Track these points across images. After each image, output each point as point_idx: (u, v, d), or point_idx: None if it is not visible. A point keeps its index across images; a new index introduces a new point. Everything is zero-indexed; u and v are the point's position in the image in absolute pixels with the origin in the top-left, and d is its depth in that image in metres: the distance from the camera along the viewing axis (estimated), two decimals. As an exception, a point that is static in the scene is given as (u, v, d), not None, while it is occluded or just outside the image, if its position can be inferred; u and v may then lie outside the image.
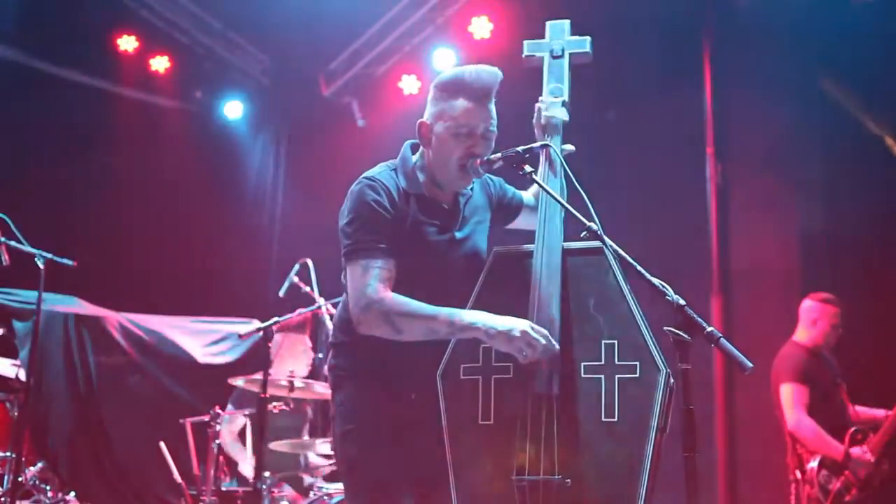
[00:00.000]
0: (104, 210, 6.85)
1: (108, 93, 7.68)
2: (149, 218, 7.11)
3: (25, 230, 5.12)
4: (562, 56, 2.95)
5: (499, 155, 2.63)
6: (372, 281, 2.54)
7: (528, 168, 2.57)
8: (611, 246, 2.42)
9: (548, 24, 3.03)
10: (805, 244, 6.11)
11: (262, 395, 4.03)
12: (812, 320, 5.11)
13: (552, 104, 2.85)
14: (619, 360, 2.51)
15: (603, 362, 2.52)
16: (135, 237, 6.98)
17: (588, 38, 3.00)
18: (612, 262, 2.56)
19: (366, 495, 2.64)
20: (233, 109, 8.37)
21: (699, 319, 2.22)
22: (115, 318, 6.02)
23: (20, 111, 6.60)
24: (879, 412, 4.99)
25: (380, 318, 2.52)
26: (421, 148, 2.77)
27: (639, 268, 2.35)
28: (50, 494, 5.10)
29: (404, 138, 2.85)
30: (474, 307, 2.61)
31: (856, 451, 4.79)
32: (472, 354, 2.60)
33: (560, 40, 2.99)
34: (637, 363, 2.49)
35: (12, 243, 5.12)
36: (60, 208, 6.53)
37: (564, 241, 2.64)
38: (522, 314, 2.54)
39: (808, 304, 5.15)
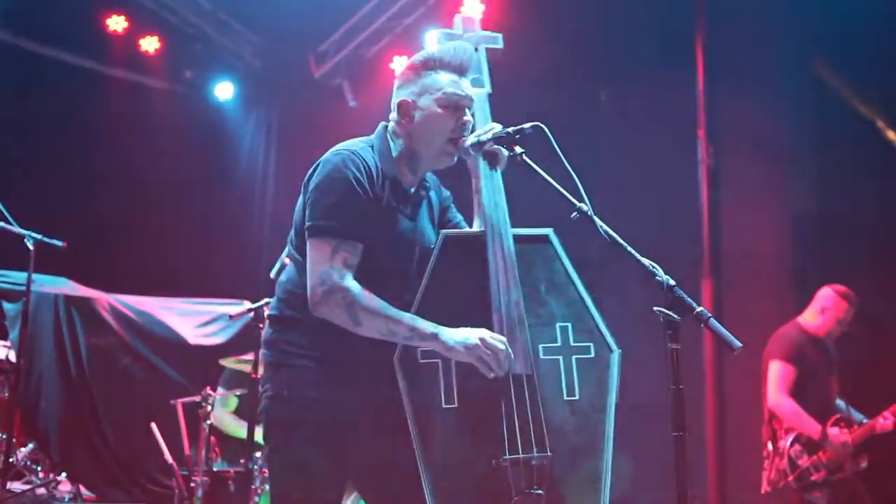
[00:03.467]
0: (94, 190, 6.84)
1: (96, 73, 7.64)
2: (139, 198, 7.09)
3: (14, 211, 5.10)
4: (476, 50, 2.89)
5: (490, 135, 2.60)
6: (339, 266, 2.44)
7: (518, 149, 2.55)
8: (601, 227, 2.41)
9: (456, 17, 2.99)
10: (796, 227, 6.14)
11: (254, 376, 4.02)
12: (822, 308, 5.12)
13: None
14: (574, 342, 2.59)
15: (559, 344, 2.59)
16: (125, 218, 6.96)
17: (500, 35, 2.99)
18: (558, 249, 2.64)
19: (284, 490, 2.54)
20: (223, 90, 8.34)
21: (689, 300, 2.23)
22: (105, 300, 6.01)
23: (8, 91, 6.56)
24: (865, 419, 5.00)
25: (341, 306, 2.42)
26: (400, 132, 2.66)
27: (629, 248, 2.35)
28: (41, 475, 5.10)
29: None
30: (426, 292, 2.55)
31: (833, 430, 4.83)
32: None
33: (473, 33, 2.95)
34: (591, 344, 2.59)
35: (1, 224, 5.11)
36: (49, 189, 6.51)
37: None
38: (476, 299, 2.54)
39: (824, 292, 5.16)
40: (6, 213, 5.14)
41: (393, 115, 2.68)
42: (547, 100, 5.76)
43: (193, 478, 4.51)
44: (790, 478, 4.86)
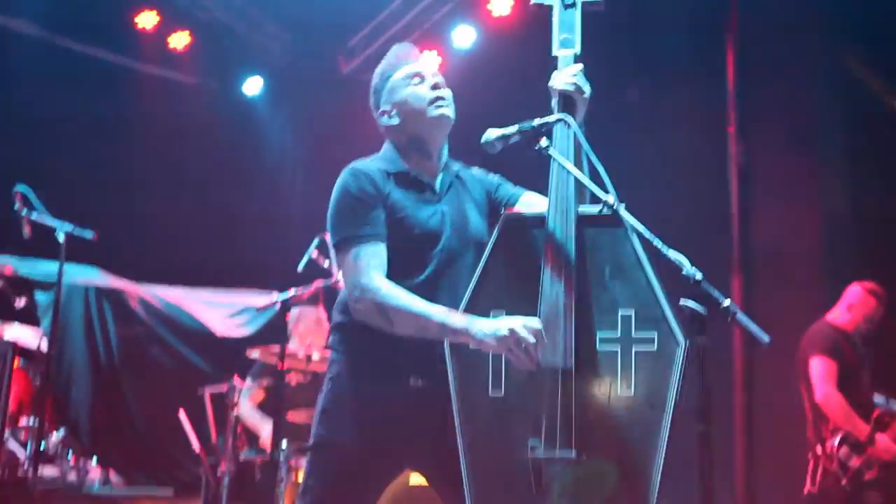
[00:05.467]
0: (125, 184, 6.90)
1: (128, 69, 7.71)
2: (168, 193, 7.13)
3: (47, 203, 5.17)
4: (573, 5, 2.82)
5: (515, 128, 2.60)
6: (365, 268, 2.54)
7: (543, 142, 2.54)
8: (628, 219, 2.40)
9: None
10: (828, 225, 6.05)
11: (280, 367, 4.06)
12: (849, 304, 5.07)
13: (568, 73, 2.73)
14: (636, 332, 2.46)
15: (619, 334, 2.47)
16: (155, 211, 7.01)
17: None
18: (630, 231, 2.49)
19: (326, 478, 2.61)
20: (252, 86, 8.38)
21: (716, 293, 2.21)
22: (134, 291, 6.09)
23: (41, 87, 6.63)
24: None
25: (373, 307, 2.51)
26: (396, 136, 2.81)
27: (656, 241, 2.33)
28: (72, 460, 5.17)
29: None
30: (482, 278, 2.57)
31: (883, 439, 4.75)
32: (483, 321, 2.53)
33: None
34: (655, 334, 2.43)
35: (34, 216, 5.18)
36: (81, 182, 6.57)
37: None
38: (532, 284, 2.51)
39: (853, 289, 5.11)
40: (38, 205, 5.21)
41: (384, 129, 2.84)
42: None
43: (220, 466, 4.55)
44: (843, 481, 4.77)
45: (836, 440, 4.82)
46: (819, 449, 4.89)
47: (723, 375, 5.89)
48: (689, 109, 6.22)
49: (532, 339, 2.37)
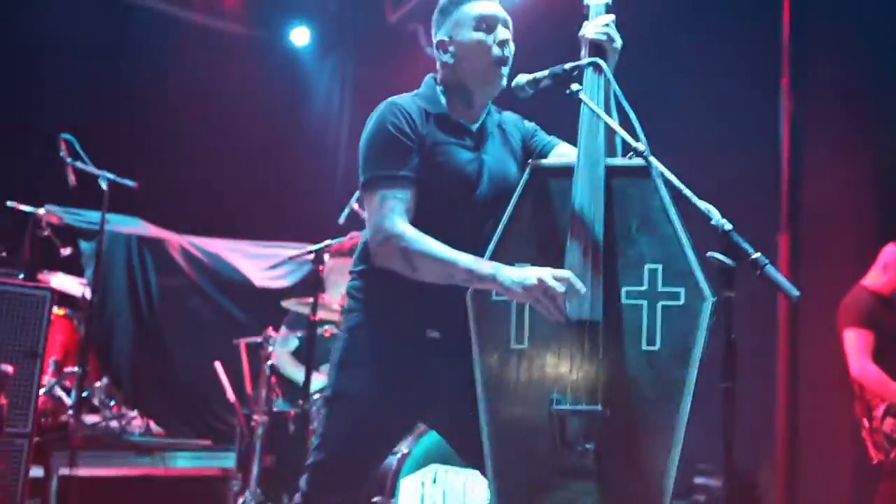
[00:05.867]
0: (168, 133, 6.92)
1: (175, 18, 7.71)
2: (213, 142, 7.14)
3: (91, 152, 5.21)
4: None
5: (546, 73, 2.53)
6: (390, 212, 2.46)
7: (574, 87, 2.46)
8: (657, 167, 2.31)
9: None
10: (882, 185, 5.82)
11: (312, 318, 4.05)
12: (884, 265, 4.89)
13: (599, 22, 2.64)
14: (662, 287, 2.39)
15: (646, 288, 2.40)
16: (199, 161, 7.04)
17: None
18: (659, 184, 2.42)
19: (341, 430, 2.56)
20: (300, 36, 8.34)
21: (745, 245, 2.12)
22: (176, 240, 6.13)
23: (88, 35, 6.66)
24: None
25: (397, 252, 2.43)
26: (444, 75, 2.69)
27: (684, 190, 2.24)
28: (114, 409, 5.27)
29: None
30: (509, 226, 2.52)
31: None
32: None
33: None
34: (682, 290, 2.36)
35: (78, 164, 5.24)
36: (125, 131, 6.61)
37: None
38: (559, 235, 2.45)
39: (888, 249, 4.92)
40: (82, 153, 5.26)
41: (437, 61, 2.70)
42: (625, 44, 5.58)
43: (254, 417, 4.59)
44: (893, 454, 4.62)
45: (880, 412, 4.67)
46: (865, 422, 4.75)
47: (767, 337, 5.76)
48: (740, 60, 6.00)
49: (561, 289, 2.31)
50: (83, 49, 6.59)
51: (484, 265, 2.40)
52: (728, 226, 2.15)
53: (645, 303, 2.41)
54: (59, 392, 5.41)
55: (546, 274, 2.32)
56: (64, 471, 4.57)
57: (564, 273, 2.34)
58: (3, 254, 3.73)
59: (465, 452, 2.73)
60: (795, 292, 2.07)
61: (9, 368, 3.39)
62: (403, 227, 2.44)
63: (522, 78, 2.54)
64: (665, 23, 6.12)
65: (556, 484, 2.39)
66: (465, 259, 2.40)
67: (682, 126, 5.56)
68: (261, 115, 7.51)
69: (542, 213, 2.55)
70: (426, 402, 2.62)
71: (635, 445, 2.38)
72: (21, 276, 3.72)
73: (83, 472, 4.59)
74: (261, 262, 6.28)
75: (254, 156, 7.34)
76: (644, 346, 2.39)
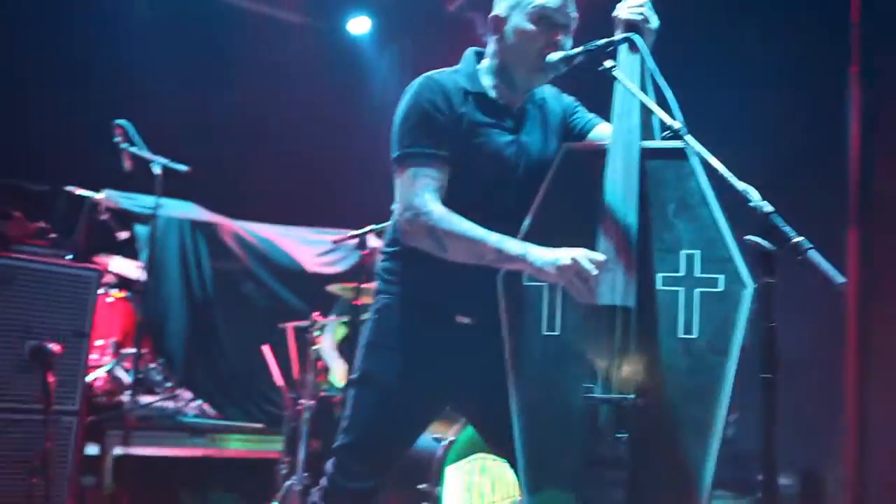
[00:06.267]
0: (225, 121, 6.96)
1: (232, 6, 7.76)
2: (271, 129, 7.17)
3: (148, 140, 5.27)
4: None
5: (579, 49, 2.45)
6: (421, 190, 2.39)
7: (608, 63, 2.37)
8: (693, 147, 2.21)
9: None
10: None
11: (355, 303, 4.03)
12: None
13: (635, 2, 2.55)
14: (700, 273, 2.30)
15: (683, 274, 2.32)
16: (256, 147, 7.06)
17: None
18: (696, 166, 2.33)
19: (367, 413, 2.52)
20: (358, 25, 8.33)
21: (786, 228, 2.01)
22: (229, 225, 6.18)
23: (146, 21, 6.74)
24: None
25: (425, 230, 2.37)
26: (491, 51, 2.60)
27: (721, 169, 2.14)
28: (168, 391, 5.34)
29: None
30: (539, 210, 2.46)
31: None
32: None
33: None
34: (720, 276, 2.27)
35: (132, 149, 5.30)
36: (183, 119, 6.67)
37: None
38: (592, 219, 2.37)
39: None
40: (137, 138, 5.33)
41: (487, 35, 2.60)
42: (684, 28, 5.43)
43: (300, 401, 4.60)
44: None
45: None
46: None
47: (835, 329, 5.55)
48: (806, 46, 5.78)
49: (595, 271, 2.23)
50: (140, 35, 6.66)
51: (514, 245, 2.34)
52: (768, 207, 2.04)
53: (682, 289, 2.33)
54: (120, 373, 5.50)
55: (580, 254, 2.25)
56: (118, 450, 4.64)
57: (599, 255, 2.27)
58: (54, 236, 3.77)
59: (493, 440, 2.68)
60: (841, 278, 1.95)
61: (56, 347, 3.44)
62: (433, 205, 2.38)
63: (555, 55, 2.47)
64: (725, 6, 5.93)
65: (588, 474, 2.32)
66: (494, 238, 2.34)
67: (744, 116, 5.39)
68: (318, 103, 7.51)
69: (575, 195, 2.48)
70: (455, 387, 2.58)
71: (670, 437, 2.30)
72: (70, 256, 3.75)
73: (137, 451, 4.66)
74: (314, 248, 6.29)
75: (311, 143, 7.34)
76: (680, 334, 2.31)
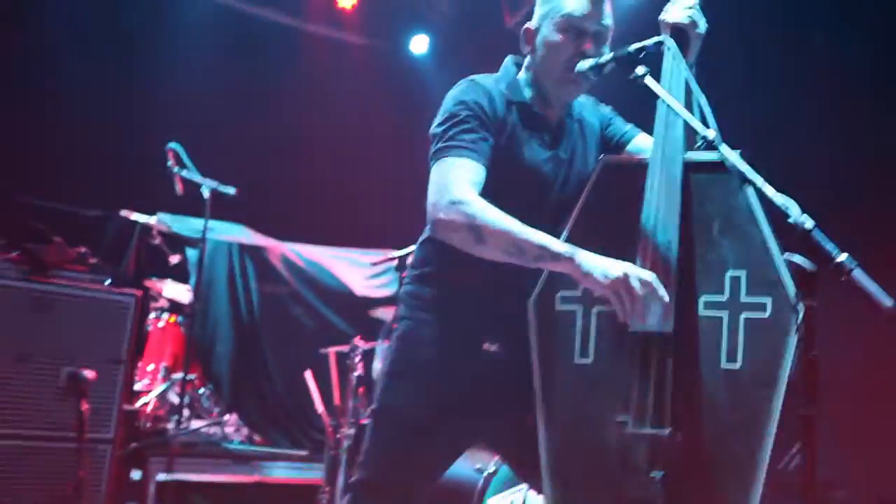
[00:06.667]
0: (289, 143, 6.94)
1: (295, 29, 7.77)
2: (322, 150, 7.11)
3: (208, 165, 5.23)
4: None
5: (610, 56, 2.28)
6: (459, 179, 2.20)
7: (639, 70, 2.19)
8: (729, 158, 2.01)
9: None
10: None
11: (394, 326, 3.88)
12: None
13: (683, 4, 2.38)
14: (746, 297, 2.08)
15: (727, 297, 2.10)
16: (318, 169, 7.00)
17: None
18: (741, 183, 2.11)
19: (385, 447, 2.37)
20: (419, 44, 8.26)
21: (829, 246, 1.80)
22: (277, 248, 6.12)
23: (205, 45, 6.77)
24: None
25: (462, 219, 2.16)
26: (526, 63, 2.48)
27: (759, 182, 1.95)
28: (213, 416, 5.28)
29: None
30: (576, 225, 2.28)
31: None
32: (572, 280, 2.18)
33: None
34: (768, 300, 2.05)
35: (184, 173, 5.30)
36: (245, 139, 6.67)
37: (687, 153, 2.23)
38: (630, 237, 2.19)
39: None
40: (188, 162, 5.32)
41: (523, 44, 2.50)
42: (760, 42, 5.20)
43: (341, 428, 4.48)
44: None
45: None
46: None
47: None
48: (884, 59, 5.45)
49: (643, 291, 2.03)
50: (198, 58, 6.69)
51: (560, 245, 2.14)
52: (809, 223, 1.83)
53: (726, 314, 2.12)
54: (171, 397, 5.48)
55: (632, 269, 2.06)
56: (162, 475, 4.58)
57: (649, 276, 2.07)
58: (94, 261, 3.74)
59: (528, 477, 2.50)
60: (890, 301, 1.74)
61: (91, 374, 3.39)
62: (471, 194, 2.19)
63: (584, 64, 2.32)
64: (798, 19, 5.63)
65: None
66: (540, 235, 2.14)
67: (812, 128, 5.11)
68: (379, 124, 7.45)
69: (614, 211, 2.30)
70: (484, 422, 2.41)
71: (709, 478, 2.08)
72: (108, 282, 3.71)
73: (180, 476, 4.60)
74: (364, 271, 6.18)
75: (366, 164, 7.27)
76: (723, 365, 2.09)
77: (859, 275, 1.75)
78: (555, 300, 2.31)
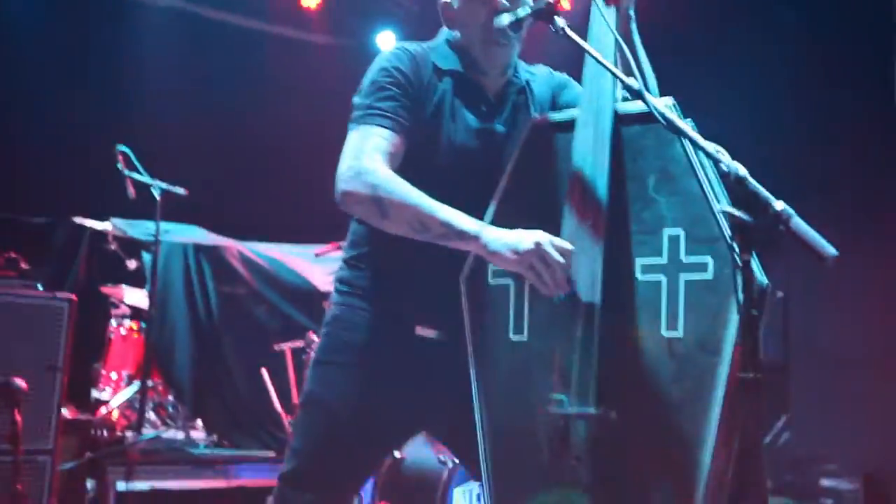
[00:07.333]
0: (236, 142, 6.77)
1: (256, 31, 7.60)
2: (292, 148, 6.93)
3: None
4: None
5: (527, 9, 2.13)
6: (369, 150, 2.09)
7: (559, 22, 2.02)
8: (654, 106, 1.85)
9: None
10: None
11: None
12: None
13: None
14: (686, 257, 1.92)
15: (665, 260, 1.95)
16: (284, 168, 6.83)
17: None
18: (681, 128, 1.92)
19: (311, 439, 2.24)
20: (385, 41, 8.11)
21: (765, 193, 1.65)
22: (234, 247, 5.94)
23: (167, 52, 6.60)
24: None
25: (366, 190, 2.04)
26: (453, 38, 2.33)
27: (690, 132, 1.80)
28: (171, 421, 5.14)
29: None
30: (505, 194, 2.14)
31: None
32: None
33: None
34: (709, 260, 1.89)
35: (134, 175, 5.14)
36: (193, 141, 6.49)
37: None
38: (560, 201, 2.04)
39: None
40: (138, 165, 5.17)
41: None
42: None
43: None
44: None
45: None
46: None
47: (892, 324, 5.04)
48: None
49: (560, 259, 1.92)
50: (155, 61, 6.52)
51: (467, 221, 2.02)
52: (742, 171, 1.68)
53: (664, 278, 1.96)
54: (135, 406, 5.31)
55: (544, 238, 1.94)
56: (121, 485, 4.43)
57: (566, 244, 1.95)
58: (25, 267, 3.57)
59: (471, 464, 2.34)
60: (832, 251, 1.58)
61: (22, 384, 3.21)
62: (379, 164, 2.08)
63: (502, 19, 2.17)
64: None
65: (555, 498, 1.97)
66: (445, 211, 2.02)
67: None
68: (339, 121, 7.27)
69: (545, 176, 2.16)
70: (421, 410, 2.26)
71: (652, 457, 1.92)
72: (39, 286, 3.54)
73: (141, 485, 4.43)
74: (324, 267, 6.01)
75: (322, 159, 7.09)
76: (664, 332, 1.94)
77: (797, 223, 1.60)
78: (487, 274, 2.16)
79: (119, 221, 5.55)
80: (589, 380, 1.93)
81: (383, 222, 2.07)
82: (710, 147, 1.74)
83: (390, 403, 2.20)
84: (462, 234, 2.00)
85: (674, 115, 1.85)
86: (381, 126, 2.13)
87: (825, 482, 5.88)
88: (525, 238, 1.94)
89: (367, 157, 2.08)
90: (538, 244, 1.92)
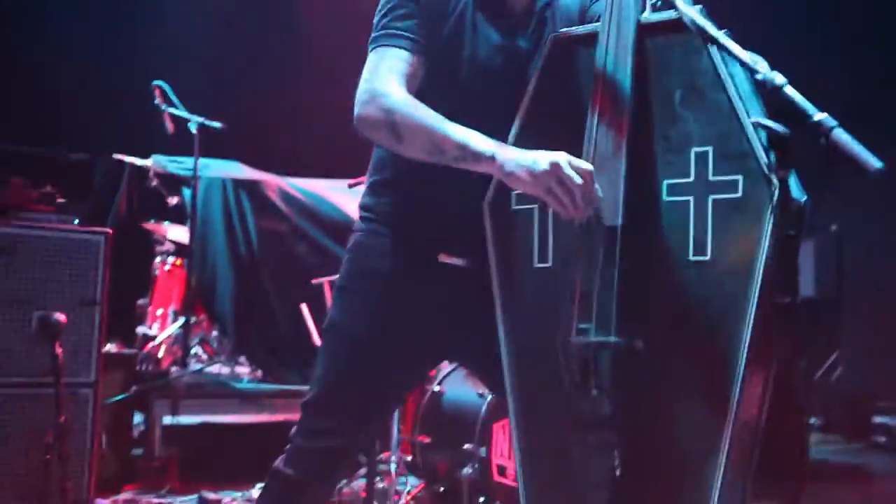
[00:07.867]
0: (273, 74, 6.69)
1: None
2: (327, 79, 6.82)
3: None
4: None
5: None
6: (384, 71, 2.01)
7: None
8: (686, 13, 1.72)
9: None
10: None
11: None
12: None
13: None
14: (714, 175, 1.81)
15: (692, 179, 1.83)
16: (314, 98, 6.75)
17: None
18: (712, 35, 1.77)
19: (334, 366, 2.19)
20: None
21: (805, 103, 1.52)
22: (274, 182, 5.90)
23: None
24: None
25: (381, 114, 1.97)
26: None
27: (723, 39, 1.67)
28: (214, 355, 5.19)
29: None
30: (528, 115, 2.03)
31: None
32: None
33: None
34: (739, 178, 1.76)
35: (171, 110, 5.11)
36: (227, 74, 6.45)
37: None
38: (582, 121, 1.92)
39: None
40: (174, 99, 5.13)
41: None
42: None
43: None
44: None
45: None
46: None
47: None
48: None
49: (579, 181, 1.81)
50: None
51: (483, 142, 1.93)
52: (780, 79, 1.55)
53: (691, 199, 1.84)
54: (181, 341, 5.36)
55: (562, 158, 1.83)
56: (167, 419, 4.50)
57: (586, 165, 1.85)
58: (61, 200, 3.56)
59: (503, 395, 2.29)
60: (877, 163, 1.46)
61: (61, 317, 3.23)
62: (394, 87, 2.00)
63: None
64: None
65: (574, 436, 1.90)
66: (460, 133, 1.93)
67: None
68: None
69: (568, 94, 2.04)
70: (443, 337, 2.21)
71: (677, 389, 1.84)
72: (76, 221, 3.54)
73: (186, 419, 4.50)
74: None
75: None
76: (691, 256, 1.83)
77: (839, 135, 1.47)
78: (510, 198, 2.07)
79: (160, 158, 5.54)
80: (610, 307, 1.84)
81: (399, 146, 2.00)
82: (746, 56, 1.62)
83: (412, 331, 2.15)
84: (477, 156, 1.91)
85: (706, 22, 1.72)
86: (398, 47, 2.05)
87: (877, 419, 5.77)
88: (542, 158, 1.84)
89: (383, 79, 2.01)
90: (556, 164, 1.82)
